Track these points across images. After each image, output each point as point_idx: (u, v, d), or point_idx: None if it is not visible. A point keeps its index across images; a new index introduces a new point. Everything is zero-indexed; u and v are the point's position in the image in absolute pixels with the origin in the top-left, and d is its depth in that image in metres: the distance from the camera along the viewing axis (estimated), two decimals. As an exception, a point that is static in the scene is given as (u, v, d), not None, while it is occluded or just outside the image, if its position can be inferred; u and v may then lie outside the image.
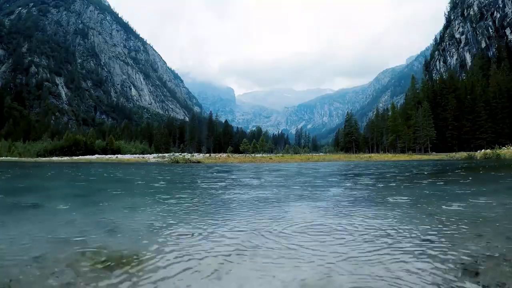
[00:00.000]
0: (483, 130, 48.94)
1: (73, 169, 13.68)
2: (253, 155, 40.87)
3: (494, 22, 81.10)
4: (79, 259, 1.64)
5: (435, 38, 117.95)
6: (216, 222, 2.60)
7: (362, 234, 2.12)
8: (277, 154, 51.28)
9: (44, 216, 3.05)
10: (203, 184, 6.42)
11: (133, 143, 68.88)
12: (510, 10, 76.59)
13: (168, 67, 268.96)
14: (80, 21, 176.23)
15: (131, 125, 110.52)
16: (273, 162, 23.21)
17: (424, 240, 1.96)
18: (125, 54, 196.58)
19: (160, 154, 41.30)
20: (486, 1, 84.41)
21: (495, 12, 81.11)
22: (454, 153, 35.42)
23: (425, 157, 31.29)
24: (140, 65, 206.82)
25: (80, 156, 38.63)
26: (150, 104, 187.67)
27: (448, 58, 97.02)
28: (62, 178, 8.99)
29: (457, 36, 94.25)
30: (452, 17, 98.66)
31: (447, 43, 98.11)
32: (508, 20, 76.42)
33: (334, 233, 2.17)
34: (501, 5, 79.40)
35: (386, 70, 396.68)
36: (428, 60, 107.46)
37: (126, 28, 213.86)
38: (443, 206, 3.17)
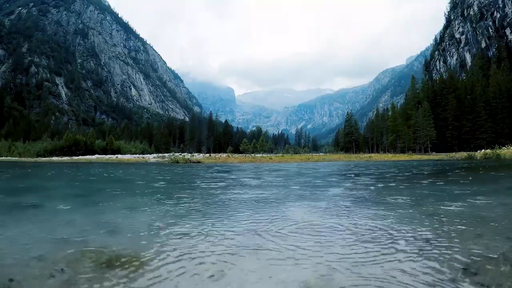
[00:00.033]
0: (483, 130, 48.95)
1: (73, 169, 13.68)
2: (253, 155, 40.87)
3: (494, 22, 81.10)
4: (79, 259, 1.64)
5: (435, 38, 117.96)
6: (216, 222, 2.60)
7: (362, 234, 2.12)
8: (277, 154, 51.28)
9: (44, 216, 3.05)
10: (203, 184, 6.42)
11: (133, 143, 68.88)
12: (510, 10, 76.59)
13: (168, 67, 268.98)
14: (80, 21, 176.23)
15: (131, 125, 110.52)
16: (273, 162, 23.22)
17: (424, 240, 1.96)
18: (125, 54, 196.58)
19: (160, 154, 41.30)
20: (486, 1, 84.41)
21: (495, 12, 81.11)
22: (454, 153, 35.42)
23: (425, 157, 31.29)
24: (140, 65, 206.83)
25: (80, 156, 38.63)
26: (150, 104, 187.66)
27: (448, 58, 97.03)
28: (62, 178, 8.99)
29: (457, 36, 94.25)
30: (452, 17, 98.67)
31: (447, 43, 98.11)
32: (508, 20, 76.41)
33: (334, 233, 2.17)
34: (501, 5, 79.40)
35: (386, 70, 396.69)
36: (428, 60, 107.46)
37: (126, 28, 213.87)
38: (443, 206, 3.17)
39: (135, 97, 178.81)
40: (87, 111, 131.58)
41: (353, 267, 1.50)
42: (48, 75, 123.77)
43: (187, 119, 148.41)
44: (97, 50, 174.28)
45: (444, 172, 9.59)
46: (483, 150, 26.23)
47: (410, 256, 1.65)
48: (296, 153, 56.49)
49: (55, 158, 35.83)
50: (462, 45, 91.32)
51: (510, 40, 73.02)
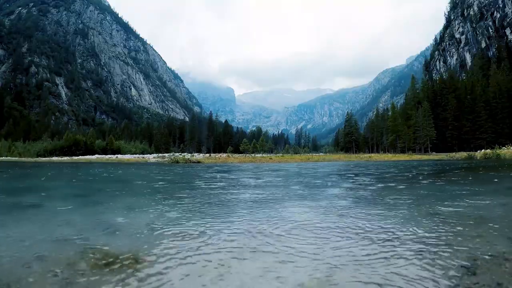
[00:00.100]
0: (483, 130, 48.94)
1: (73, 169, 13.68)
2: (253, 155, 40.88)
3: (494, 22, 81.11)
4: (79, 259, 1.64)
5: (435, 38, 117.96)
6: (216, 222, 2.60)
7: (362, 234, 2.12)
8: (277, 154, 51.29)
9: (44, 216, 3.05)
10: (203, 184, 6.42)
11: (133, 143, 68.87)
12: (510, 10, 76.59)
13: (168, 67, 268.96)
14: (80, 21, 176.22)
15: (131, 125, 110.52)
16: (273, 162, 23.22)
17: (424, 240, 1.96)
18: (125, 54, 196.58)
19: (160, 154, 41.31)
20: (486, 1, 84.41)
21: (495, 12, 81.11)
22: (454, 153, 35.42)
23: (425, 157, 31.29)
24: (140, 65, 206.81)
25: (80, 156, 38.63)
26: (150, 104, 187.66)
27: (448, 58, 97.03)
28: (62, 178, 8.99)
29: (457, 36, 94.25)
30: (452, 17, 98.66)
31: (447, 43, 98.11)
32: (508, 20, 76.42)
33: (333, 233, 2.17)
34: (501, 5, 79.41)
35: (386, 70, 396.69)
36: (428, 60, 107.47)
37: (126, 28, 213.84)
38: (443, 206, 3.17)
39: (135, 97, 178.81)
40: (87, 111, 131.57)
41: (353, 267, 1.50)
42: (48, 75, 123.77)
43: (187, 119, 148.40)
44: (97, 50, 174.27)
45: (444, 172, 9.59)
46: (483, 150, 26.23)
47: (410, 256, 1.65)
48: (296, 153, 56.49)
49: (55, 158, 35.83)
50: (462, 45, 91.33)
51: (510, 40, 73.02)
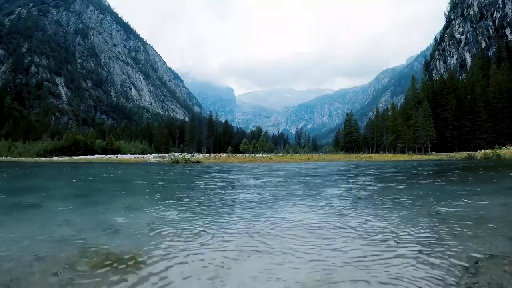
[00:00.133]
0: (483, 130, 48.94)
1: (73, 169, 13.68)
2: (253, 155, 40.88)
3: (494, 22, 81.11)
4: (79, 259, 1.64)
5: (435, 38, 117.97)
6: (216, 222, 2.60)
7: (361, 234, 2.12)
8: (277, 154, 51.29)
9: (44, 216, 3.05)
10: (202, 184, 6.42)
11: (133, 143, 68.87)
12: (510, 10, 76.59)
13: (168, 67, 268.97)
14: (80, 21, 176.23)
15: (131, 125, 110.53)
16: (273, 162, 23.22)
17: (423, 240, 1.96)
18: (125, 54, 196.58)
19: (160, 154, 41.31)
20: (486, 1, 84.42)
21: (495, 12, 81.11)
22: (454, 153, 35.42)
23: (425, 157, 31.29)
24: (140, 65, 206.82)
25: (80, 156, 38.64)
26: (150, 104, 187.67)
27: (448, 58, 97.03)
28: (62, 178, 8.99)
29: (457, 36, 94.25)
30: (452, 17, 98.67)
31: (447, 43, 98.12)
32: (508, 20, 76.42)
33: (333, 233, 2.17)
34: (501, 5, 79.42)
35: (386, 70, 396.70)
36: (428, 60, 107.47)
37: (126, 28, 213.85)
38: (443, 206, 3.17)
39: (135, 97, 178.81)
40: (87, 111, 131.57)
41: (353, 267, 1.50)
42: (48, 75, 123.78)
43: (187, 119, 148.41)
44: (97, 50, 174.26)
45: (444, 172, 9.59)
46: (483, 150, 26.23)
47: (410, 256, 1.65)
48: (296, 153, 56.50)
49: (55, 158, 35.83)
50: (462, 45, 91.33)
51: (510, 40, 73.03)
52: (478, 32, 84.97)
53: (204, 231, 2.26)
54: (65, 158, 33.89)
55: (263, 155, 44.51)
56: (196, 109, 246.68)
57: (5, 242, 2.03)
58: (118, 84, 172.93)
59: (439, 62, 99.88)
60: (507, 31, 75.75)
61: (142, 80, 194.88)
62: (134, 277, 1.40)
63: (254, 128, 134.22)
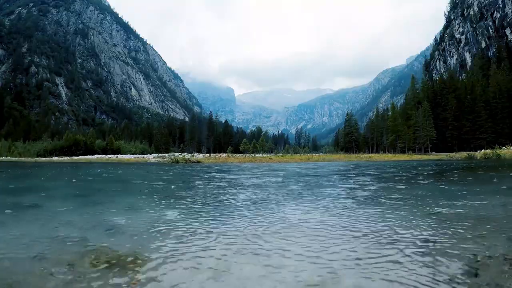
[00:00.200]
0: (483, 130, 48.95)
1: (73, 169, 13.69)
2: (253, 155, 40.88)
3: (494, 22, 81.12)
4: (79, 259, 1.64)
5: (435, 38, 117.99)
6: (216, 222, 2.60)
7: (361, 234, 2.12)
8: (277, 154, 51.30)
9: (44, 216, 3.05)
10: (202, 184, 6.42)
11: (133, 143, 68.88)
12: (510, 10, 76.60)
13: (168, 67, 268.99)
14: (80, 21, 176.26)
15: (131, 125, 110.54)
16: (273, 162, 23.22)
17: (424, 240, 1.96)
18: (125, 54, 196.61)
19: (160, 154, 41.31)
20: (486, 1, 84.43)
21: (495, 12, 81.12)
22: (454, 153, 35.43)
23: (425, 157, 31.30)
24: (140, 65, 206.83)
25: (80, 156, 38.64)
26: (150, 104, 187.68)
27: (448, 58, 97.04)
28: (62, 178, 8.99)
29: (457, 36, 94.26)
30: (452, 17, 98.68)
31: (447, 43, 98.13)
32: (508, 20, 76.44)
33: (333, 233, 2.17)
34: (501, 5, 79.42)
35: (386, 70, 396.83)
36: (428, 60, 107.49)
37: (126, 28, 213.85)
38: (443, 207, 3.17)
39: (135, 97, 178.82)
40: (87, 111, 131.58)
41: (353, 267, 1.50)
42: (48, 75, 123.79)
43: (187, 119, 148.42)
44: (97, 50, 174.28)
45: (444, 172, 9.59)
46: (483, 150, 26.24)
47: (410, 256, 1.65)
48: (296, 153, 56.51)
49: (55, 158, 35.84)
50: (462, 45, 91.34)
51: (510, 40, 73.04)
52: (478, 32, 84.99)
53: (204, 231, 2.26)
54: (65, 158, 33.90)
55: (263, 155, 44.52)
56: (196, 109, 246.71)
57: (5, 242, 2.03)
58: (118, 84, 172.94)
59: (439, 62, 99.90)
60: (507, 31, 75.77)
61: (142, 80, 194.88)
62: (134, 277, 1.40)
63: (254, 128, 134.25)
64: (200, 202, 3.80)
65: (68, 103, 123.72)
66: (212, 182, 6.79)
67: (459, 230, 2.19)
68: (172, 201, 3.92)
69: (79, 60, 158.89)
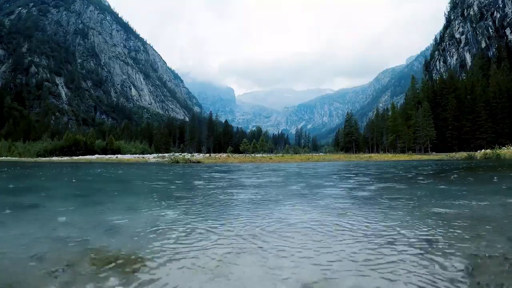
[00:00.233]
0: (483, 130, 48.96)
1: (73, 169, 13.69)
2: (253, 155, 40.88)
3: (494, 22, 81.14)
4: (79, 259, 1.64)
5: (435, 38, 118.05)
6: (216, 222, 2.60)
7: (361, 234, 2.12)
8: (277, 154, 51.29)
9: (44, 216, 3.05)
10: (202, 184, 6.42)
11: (133, 143, 68.90)
12: (510, 10, 76.61)
13: (168, 67, 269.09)
14: (80, 21, 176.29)
15: (131, 125, 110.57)
16: (273, 162, 23.22)
17: (423, 240, 1.96)
18: (125, 54, 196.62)
19: (160, 154, 41.31)
20: (486, 1, 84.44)
21: (495, 12, 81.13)
22: (454, 153, 35.43)
23: (425, 157, 31.30)
24: (140, 65, 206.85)
25: (80, 156, 38.64)
26: (150, 104, 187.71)
27: (448, 58, 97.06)
28: (62, 178, 8.99)
29: (457, 36, 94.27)
30: (452, 17, 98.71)
31: (447, 43, 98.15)
32: (508, 20, 76.44)
33: (333, 233, 2.17)
34: (501, 5, 79.44)
35: (386, 70, 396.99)
36: (428, 60, 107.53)
37: (126, 28, 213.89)
38: (443, 207, 3.17)
39: (135, 97, 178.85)
40: (87, 111, 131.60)
41: (353, 267, 1.50)
42: (48, 75, 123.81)
43: (187, 119, 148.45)
44: (97, 50, 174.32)
45: (444, 172, 9.59)
46: (483, 150, 26.24)
47: (410, 256, 1.65)
48: (296, 153, 56.51)
49: (55, 158, 35.84)
50: (462, 45, 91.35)
51: (510, 40, 73.04)
52: (478, 32, 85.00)
53: (204, 231, 2.26)
54: (65, 158, 33.91)
55: (263, 155, 44.52)
56: (196, 109, 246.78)
57: (5, 242, 2.03)
58: (118, 84, 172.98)
59: (439, 62, 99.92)
60: (507, 31, 75.78)
61: (142, 80, 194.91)
62: (134, 277, 1.40)
63: (254, 128, 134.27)
64: (200, 202, 3.80)
65: (68, 103, 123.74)
66: (212, 182, 6.79)
67: (459, 230, 2.19)
68: (172, 201, 3.92)
69: (79, 60, 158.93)
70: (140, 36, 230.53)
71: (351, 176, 8.33)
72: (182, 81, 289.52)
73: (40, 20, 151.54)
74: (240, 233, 2.19)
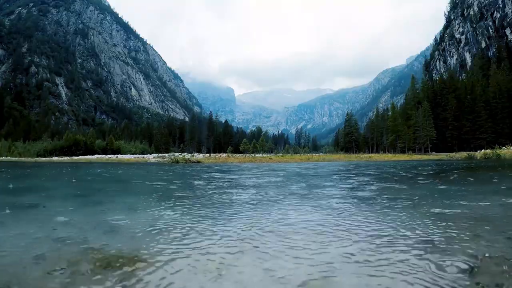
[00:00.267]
0: (483, 130, 48.96)
1: (73, 169, 13.69)
2: (253, 155, 40.88)
3: (494, 22, 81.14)
4: (79, 259, 1.64)
5: (435, 38, 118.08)
6: (216, 222, 2.60)
7: (361, 234, 2.12)
8: (277, 154, 51.30)
9: (44, 216, 3.05)
10: (202, 184, 6.42)
11: (133, 143, 68.91)
12: (510, 10, 76.61)
13: (168, 67, 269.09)
14: (80, 21, 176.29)
15: (131, 125, 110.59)
16: (273, 162, 23.22)
17: (423, 240, 1.96)
18: (125, 54, 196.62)
19: (160, 154, 41.32)
20: (486, 1, 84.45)
21: (495, 12, 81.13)
22: (454, 153, 35.43)
23: (425, 157, 31.31)
24: (140, 65, 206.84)
25: (80, 156, 38.64)
26: (150, 104, 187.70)
27: (448, 58, 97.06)
28: (62, 178, 8.99)
29: (457, 36, 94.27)
30: (452, 17, 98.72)
31: (447, 43, 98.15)
32: (508, 20, 76.45)
33: (333, 233, 2.17)
34: (501, 5, 79.45)
35: (386, 70, 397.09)
36: (428, 60, 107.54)
37: (126, 28, 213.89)
38: (443, 207, 3.17)
39: (135, 97, 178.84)
40: (87, 111, 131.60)
41: (353, 267, 1.50)
42: (48, 75, 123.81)
43: (187, 119, 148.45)
44: (97, 50, 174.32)
45: (443, 172, 9.59)
46: (483, 150, 26.24)
47: (410, 257, 1.64)
48: (296, 153, 56.51)
49: (55, 158, 35.85)
50: (462, 45, 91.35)
51: (510, 40, 73.05)
52: (478, 32, 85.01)
53: (203, 231, 2.26)
54: (65, 158, 33.91)
55: (263, 155, 44.52)
56: (196, 109, 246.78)
57: (5, 242, 2.03)
58: (118, 84, 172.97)
59: (439, 62, 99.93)
60: (507, 31, 75.79)
61: (142, 80, 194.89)
62: (134, 277, 1.40)
63: (254, 128, 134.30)
64: (200, 202, 3.80)
65: (68, 103, 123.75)
66: (212, 182, 6.79)
67: (458, 230, 2.18)
68: (172, 201, 3.92)
69: (79, 60, 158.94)
70: (140, 36, 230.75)
71: (351, 176, 8.33)
72: (182, 81, 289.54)
73: (40, 20, 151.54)
74: (240, 234, 2.19)
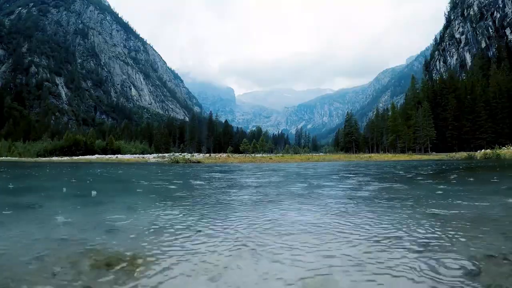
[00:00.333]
0: (483, 130, 48.96)
1: (73, 169, 13.69)
2: (253, 155, 40.88)
3: (494, 22, 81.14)
4: (79, 259, 1.64)
5: (435, 38, 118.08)
6: (216, 222, 2.60)
7: (361, 234, 2.12)
8: (277, 154, 51.29)
9: (44, 216, 3.05)
10: (202, 184, 6.42)
11: (133, 143, 68.94)
12: (510, 10, 76.62)
13: (168, 67, 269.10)
14: (80, 21, 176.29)
15: (131, 125, 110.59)
16: (273, 162, 23.23)
17: (423, 240, 1.96)
18: (125, 54, 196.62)
19: (160, 154, 41.32)
20: (486, 1, 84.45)
21: (495, 12, 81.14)
22: (454, 153, 35.43)
23: (425, 157, 31.31)
24: (140, 65, 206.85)
25: (80, 156, 38.65)
26: (150, 104, 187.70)
27: (448, 58, 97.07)
28: (62, 178, 8.99)
29: (457, 36, 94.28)
30: (452, 17, 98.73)
31: (447, 43, 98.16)
32: (508, 20, 76.45)
33: (333, 233, 2.16)
34: (501, 5, 79.45)
35: (386, 70, 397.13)
36: (428, 60, 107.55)
37: (126, 28, 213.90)
38: (443, 207, 3.17)
39: (135, 97, 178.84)
40: (87, 111, 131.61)
41: (352, 268, 1.50)
42: (48, 75, 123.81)
43: (187, 119, 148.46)
44: (97, 50, 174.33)
45: (443, 172, 9.59)
46: (483, 150, 26.25)
47: (410, 257, 1.64)
48: (296, 153, 56.52)
49: (55, 158, 35.85)
50: (462, 45, 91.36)
51: (510, 40, 73.06)
52: (478, 32, 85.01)
53: (203, 231, 2.26)
54: (65, 158, 33.92)
55: (263, 155, 44.52)
56: (196, 109, 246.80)
57: (5, 241, 2.03)
58: (118, 84, 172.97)
59: (439, 62, 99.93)
60: (507, 31, 75.79)
61: (142, 80, 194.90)
62: (134, 277, 1.40)
63: (254, 128, 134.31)
64: (200, 203, 3.80)
65: (68, 103, 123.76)
66: (212, 182, 6.79)
67: (459, 230, 2.18)
68: (172, 201, 3.92)
69: (79, 60, 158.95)
70: (140, 36, 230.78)
71: (350, 176, 8.33)
72: (182, 81, 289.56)
73: (40, 20, 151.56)
74: (240, 234, 2.19)
